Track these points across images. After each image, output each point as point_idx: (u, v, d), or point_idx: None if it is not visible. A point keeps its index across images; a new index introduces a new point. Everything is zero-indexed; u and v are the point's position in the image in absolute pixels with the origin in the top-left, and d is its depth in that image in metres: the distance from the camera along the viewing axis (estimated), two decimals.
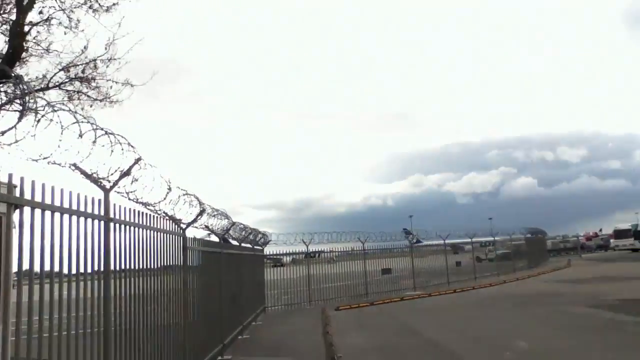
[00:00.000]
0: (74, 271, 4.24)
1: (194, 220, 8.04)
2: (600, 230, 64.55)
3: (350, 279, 21.87)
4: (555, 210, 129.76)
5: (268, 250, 19.66)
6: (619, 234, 50.06)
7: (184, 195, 7.46)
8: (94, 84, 9.85)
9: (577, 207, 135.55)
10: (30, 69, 9.20)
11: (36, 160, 4.19)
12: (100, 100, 9.98)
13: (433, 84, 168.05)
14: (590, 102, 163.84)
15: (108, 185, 4.96)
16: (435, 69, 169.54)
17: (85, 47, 9.40)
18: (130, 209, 5.46)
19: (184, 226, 7.74)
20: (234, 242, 12.76)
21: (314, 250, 21.60)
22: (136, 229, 5.60)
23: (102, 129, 4.86)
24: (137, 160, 5.30)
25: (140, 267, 5.69)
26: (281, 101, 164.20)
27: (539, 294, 18.00)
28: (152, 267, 6.12)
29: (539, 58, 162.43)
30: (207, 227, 10.07)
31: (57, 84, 9.49)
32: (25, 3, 8.70)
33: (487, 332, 11.12)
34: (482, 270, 29.59)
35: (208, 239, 9.90)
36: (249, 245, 14.99)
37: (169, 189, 6.48)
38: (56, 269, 3.96)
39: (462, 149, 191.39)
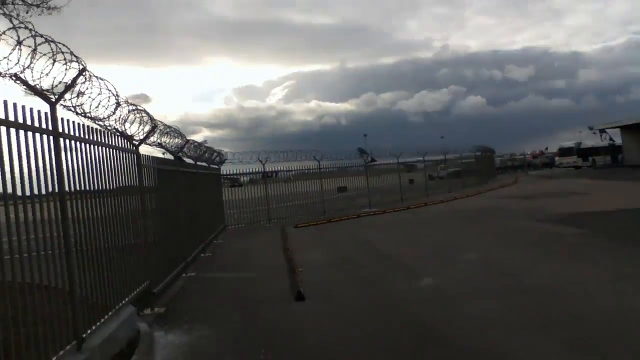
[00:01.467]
0: (27, 192, 4.03)
1: (146, 137, 7.76)
2: (547, 148, 67.57)
3: (307, 197, 22.20)
4: (504, 128, 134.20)
5: (225, 169, 19.53)
6: (564, 152, 52.50)
7: (133, 110, 7.12)
8: None
9: (524, 125, 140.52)
10: None
11: None
12: (37, 6, 9.11)
13: None
14: (539, 18, 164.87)
15: (53, 98, 4.62)
16: None
17: None
18: (79, 124, 5.15)
19: (136, 143, 7.46)
20: (189, 161, 12.53)
21: (270, 169, 21.63)
22: (88, 145, 5.32)
23: (42, 36, 4.45)
24: (82, 71, 4.94)
25: (95, 186, 5.48)
26: (232, 5, 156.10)
27: (486, 209, 18.89)
28: (108, 186, 5.92)
29: None
30: (160, 144, 9.78)
31: None
32: None
33: (438, 245, 11.66)
34: (434, 187, 30.65)
35: (163, 157, 9.64)
36: (204, 164, 14.79)
37: (117, 102, 6.14)
38: (9, 190, 3.74)
39: (413, 66, 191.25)
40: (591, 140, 52.15)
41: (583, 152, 49.86)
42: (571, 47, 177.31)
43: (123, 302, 5.86)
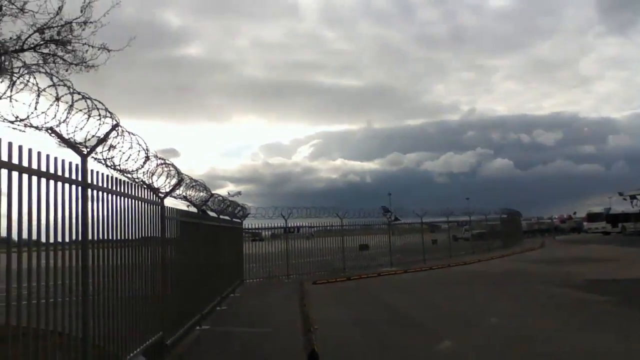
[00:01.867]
0: (52, 239, 4.19)
1: (172, 190, 7.99)
2: (575, 213, 66.10)
3: (328, 254, 22.10)
4: (531, 192, 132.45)
5: (247, 223, 19.69)
6: (592, 217, 51.34)
7: (162, 164, 7.39)
8: (69, 47, 9.57)
9: (552, 189, 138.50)
10: (4, 29, 8.90)
11: (12, 122, 4.11)
12: (76, 65, 9.69)
13: (413, 61, 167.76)
14: (567, 84, 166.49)
15: (85, 151, 4.89)
16: (415, 46, 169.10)
17: (60, 9, 9.09)
18: (108, 176, 5.40)
19: (162, 195, 7.69)
20: (213, 214, 12.73)
21: (292, 224, 21.71)
22: (114, 196, 5.55)
23: (79, 93, 4.76)
24: (115, 126, 5.23)
25: (118, 236, 5.65)
26: (263, 68, 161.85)
27: (511, 273, 18.44)
28: (130, 237, 6.09)
29: (519, 41, 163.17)
30: (185, 197, 10.01)
31: (31, 46, 9.19)
32: None
33: (459, 308, 11.38)
34: (457, 249, 30.16)
35: (187, 210, 9.85)
36: (227, 218, 14.98)
37: (147, 157, 6.41)
38: (34, 236, 3.90)
39: (440, 128, 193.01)
40: (621, 207, 50.93)
41: (612, 218, 48.65)
42: (601, 113, 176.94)
43: (134, 352, 5.87)
